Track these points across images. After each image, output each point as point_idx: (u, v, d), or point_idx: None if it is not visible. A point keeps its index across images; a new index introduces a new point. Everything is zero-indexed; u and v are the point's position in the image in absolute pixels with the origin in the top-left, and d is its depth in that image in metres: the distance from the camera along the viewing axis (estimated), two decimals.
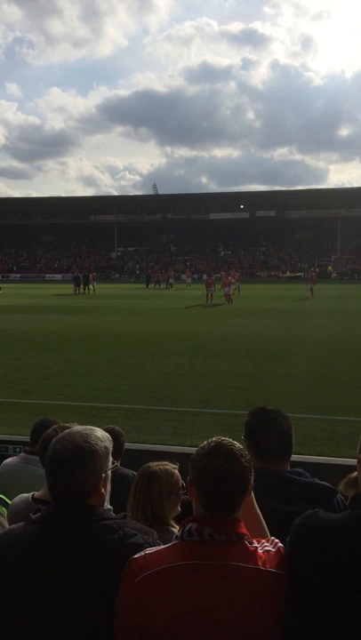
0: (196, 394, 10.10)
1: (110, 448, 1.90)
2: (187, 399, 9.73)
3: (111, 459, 1.91)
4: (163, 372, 12.17)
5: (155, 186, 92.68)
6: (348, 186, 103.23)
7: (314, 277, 37.52)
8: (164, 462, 2.79)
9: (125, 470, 3.69)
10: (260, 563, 1.65)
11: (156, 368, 12.56)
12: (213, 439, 1.77)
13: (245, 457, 1.74)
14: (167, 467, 2.71)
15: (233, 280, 33.45)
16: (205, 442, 1.77)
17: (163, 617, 1.60)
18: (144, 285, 52.61)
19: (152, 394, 10.15)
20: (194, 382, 11.07)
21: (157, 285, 51.10)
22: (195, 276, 56.07)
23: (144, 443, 6.88)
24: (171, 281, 50.03)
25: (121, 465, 3.84)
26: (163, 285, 50.63)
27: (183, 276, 54.70)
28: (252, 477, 1.76)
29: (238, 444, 1.78)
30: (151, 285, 50.24)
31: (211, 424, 8.16)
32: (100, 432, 1.91)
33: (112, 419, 8.11)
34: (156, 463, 2.79)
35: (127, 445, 3.94)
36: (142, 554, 1.69)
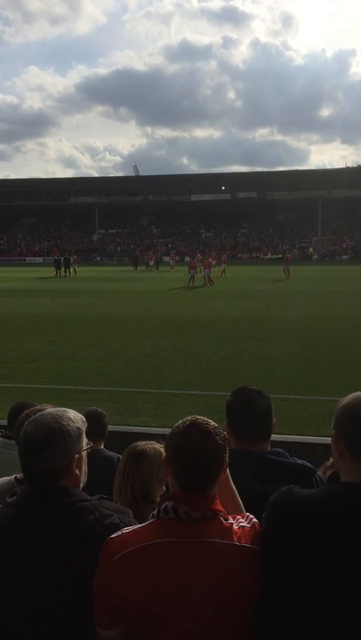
0: (178, 376, 10.13)
1: (83, 429, 1.89)
2: (169, 381, 9.76)
3: (86, 440, 1.90)
4: (145, 354, 12.17)
5: (135, 167, 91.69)
6: (328, 167, 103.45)
7: (289, 259, 38.14)
8: (150, 442, 2.81)
9: (110, 453, 3.70)
10: (235, 538, 1.67)
11: (138, 351, 12.56)
12: (188, 418, 1.78)
13: (220, 435, 1.75)
14: (155, 445, 2.73)
15: (213, 262, 33.46)
16: (180, 421, 1.78)
17: (140, 595, 1.61)
18: (130, 267, 52.44)
19: (134, 376, 10.15)
20: (176, 364, 11.10)
21: (147, 267, 51.06)
22: (177, 258, 55.83)
23: (127, 425, 6.90)
24: (151, 263, 49.64)
25: (105, 447, 3.85)
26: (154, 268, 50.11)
27: (167, 258, 54.65)
28: (227, 455, 1.77)
29: (213, 423, 1.78)
30: (141, 268, 49.86)
31: (193, 405, 8.22)
32: (72, 413, 1.89)
33: (94, 401, 8.10)
34: (144, 442, 2.80)
35: (110, 427, 3.95)
36: (119, 533, 1.70)
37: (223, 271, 38.51)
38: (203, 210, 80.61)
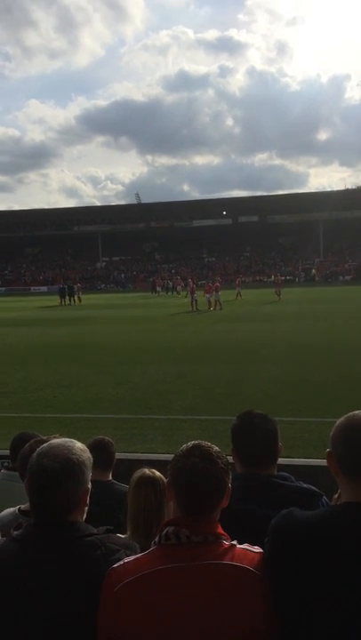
0: (185, 401, 10.13)
1: (92, 458, 1.89)
2: (175, 406, 9.75)
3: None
4: (151, 380, 12.17)
5: (137, 195, 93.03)
6: (328, 189, 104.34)
7: (280, 281, 40.08)
8: (152, 470, 2.83)
9: (123, 487, 3.66)
10: (236, 560, 1.66)
11: (143, 377, 12.57)
12: (192, 442, 1.80)
13: (222, 459, 1.75)
14: (159, 473, 2.78)
15: (218, 286, 33.89)
16: (184, 445, 1.80)
17: (145, 623, 1.59)
18: (141, 293, 53.75)
19: (140, 402, 10.15)
20: (182, 389, 11.10)
21: (169, 292, 52.34)
22: (182, 284, 56.47)
23: (134, 452, 6.88)
24: (178, 288, 50.24)
25: (112, 475, 3.82)
26: (175, 293, 50.69)
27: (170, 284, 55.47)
28: (230, 480, 1.77)
29: (216, 447, 1.80)
30: (163, 293, 50.50)
31: (199, 430, 8.17)
32: (79, 444, 1.91)
33: (101, 429, 8.09)
34: (147, 469, 2.82)
35: (117, 455, 3.93)
36: (121, 563, 1.69)
37: (238, 294, 39.27)
38: (205, 235, 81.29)
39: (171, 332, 21.36)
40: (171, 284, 55.28)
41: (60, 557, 1.71)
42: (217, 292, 32.65)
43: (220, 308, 31.62)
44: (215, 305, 32.05)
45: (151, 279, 67.95)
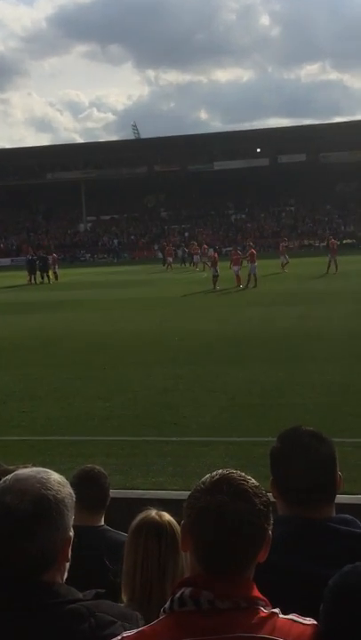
0: (205, 416, 10.22)
1: (74, 495, 1.91)
2: (191, 424, 9.85)
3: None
4: (157, 387, 12.26)
5: (135, 127, 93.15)
6: None
7: (336, 247, 39.84)
8: (162, 513, 2.89)
9: (119, 535, 3.71)
10: (278, 634, 1.66)
11: (147, 383, 12.66)
12: (218, 471, 1.82)
13: (262, 497, 1.77)
14: (169, 518, 2.82)
15: (255, 253, 34.04)
16: (208, 475, 1.81)
17: None
18: (142, 266, 54.05)
19: (143, 419, 10.26)
20: (200, 400, 11.18)
21: (183, 264, 52.66)
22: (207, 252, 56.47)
23: (134, 489, 6.96)
24: (195, 258, 50.33)
25: (106, 520, 3.87)
26: (191, 265, 51.00)
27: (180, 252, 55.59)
28: (270, 525, 1.79)
29: (253, 480, 1.81)
30: (175, 265, 50.81)
31: (225, 457, 8.27)
32: (57, 475, 1.91)
33: (88, 457, 8.18)
34: (155, 512, 2.88)
35: (112, 492, 3.99)
36: (119, 638, 1.71)
37: (284, 265, 39.87)
38: (231, 182, 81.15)
39: (184, 320, 21.43)
40: (185, 251, 55.31)
41: (32, 632, 1.72)
42: (252, 262, 32.85)
43: (254, 286, 31.69)
44: (248, 281, 32.20)
45: (157, 246, 68.20)
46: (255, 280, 32.14)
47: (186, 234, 77.16)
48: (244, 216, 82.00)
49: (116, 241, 78.38)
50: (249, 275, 32.34)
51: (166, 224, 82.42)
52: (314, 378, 12.32)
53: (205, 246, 49.82)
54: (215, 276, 32.50)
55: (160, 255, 59.17)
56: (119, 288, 34.97)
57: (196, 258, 50.16)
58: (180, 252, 55.83)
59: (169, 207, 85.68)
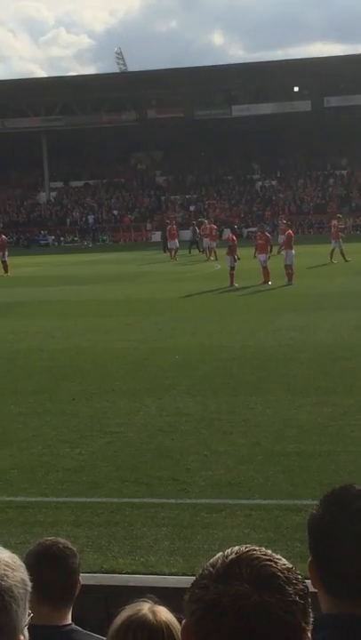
0: (216, 469, 10.25)
1: (30, 584, 1.93)
2: (197, 481, 9.88)
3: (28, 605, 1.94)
4: (148, 427, 12.32)
5: (120, 56, 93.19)
6: None
7: (338, 228, 41.43)
8: (159, 607, 2.91)
9: (91, 636, 3.75)
10: None
11: (134, 421, 12.73)
12: (234, 549, 1.78)
13: (297, 584, 1.75)
14: (167, 615, 2.83)
15: (292, 235, 34.15)
16: (220, 554, 1.78)
17: None
18: (129, 253, 54.26)
19: (127, 472, 10.29)
20: (210, 446, 11.23)
21: (191, 250, 53.29)
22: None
23: (115, 572, 7.03)
24: (206, 242, 50.01)
25: (74, 615, 3.90)
26: (200, 251, 51.73)
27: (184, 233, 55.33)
28: (310, 624, 1.77)
29: (283, 560, 1.78)
30: (183, 251, 51.06)
31: (246, 528, 8.26)
32: (6, 554, 1.94)
33: (50, 526, 8.21)
34: (149, 606, 2.90)
35: (83, 577, 4.01)
36: None
37: (335, 253, 40.54)
38: (257, 135, 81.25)
39: (188, 331, 21.56)
40: (196, 232, 54.70)
41: None
42: (288, 247, 32.91)
43: (288, 282, 31.76)
44: (266, 275, 32.26)
45: (151, 225, 68.14)
46: (290, 274, 32.19)
47: (192, 208, 77.27)
48: (274, 182, 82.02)
49: (91, 217, 78.44)
50: (287, 266, 32.40)
51: (164, 194, 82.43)
52: None
53: (212, 225, 49.07)
54: (232, 268, 32.50)
55: (155, 236, 59.19)
56: (95, 285, 35.05)
57: (207, 242, 50.00)
58: (189, 233, 55.26)
59: (168, 170, 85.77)
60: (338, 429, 11.79)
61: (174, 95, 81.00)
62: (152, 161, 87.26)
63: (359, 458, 10.40)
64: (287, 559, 1.80)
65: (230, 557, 1.75)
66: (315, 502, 2.50)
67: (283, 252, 33.40)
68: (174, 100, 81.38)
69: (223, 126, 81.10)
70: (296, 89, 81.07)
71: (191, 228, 55.89)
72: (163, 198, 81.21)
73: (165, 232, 53.89)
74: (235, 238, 35.58)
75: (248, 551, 1.76)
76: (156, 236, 68.46)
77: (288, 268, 32.31)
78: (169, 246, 50.76)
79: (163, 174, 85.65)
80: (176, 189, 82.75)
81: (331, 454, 10.63)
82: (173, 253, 49.96)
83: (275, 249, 36.69)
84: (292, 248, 32.75)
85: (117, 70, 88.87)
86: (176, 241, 50.53)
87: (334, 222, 43.44)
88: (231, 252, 33.48)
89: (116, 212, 79.08)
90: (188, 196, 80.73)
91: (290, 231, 34.67)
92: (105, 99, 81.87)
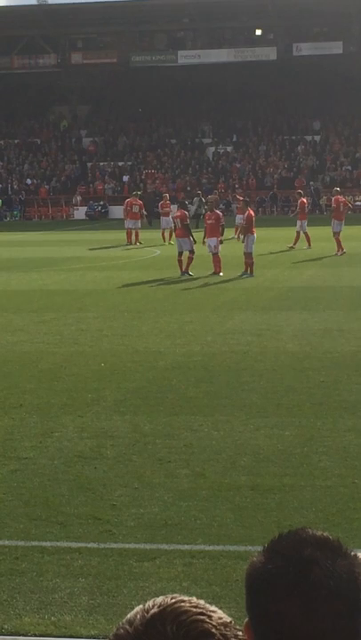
0: (149, 506, 10.23)
1: None
2: (125, 520, 9.86)
3: None
4: (64, 452, 12.31)
5: None
6: None
7: (305, 206, 43.43)
8: None
9: None
10: None
11: (46, 444, 12.71)
12: (157, 601, 1.79)
13: None
14: None
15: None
16: (138, 608, 1.80)
17: None
18: (52, 233, 53.91)
19: (36, 508, 10.27)
20: (142, 478, 11.21)
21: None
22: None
23: (19, 635, 7.06)
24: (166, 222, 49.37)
25: None
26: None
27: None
28: None
29: (219, 613, 1.81)
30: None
31: (185, 581, 8.26)
32: None
33: None
34: None
35: None
36: None
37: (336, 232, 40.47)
38: (210, 89, 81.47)
39: (114, 331, 21.65)
40: (202, 202, 54.18)
41: None
42: (249, 231, 32.99)
43: (247, 273, 31.77)
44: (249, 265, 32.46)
45: (78, 198, 68.19)
46: (250, 264, 32.37)
47: (125, 178, 77.26)
48: (229, 149, 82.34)
49: None
50: (246, 255, 32.55)
51: (91, 159, 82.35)
52: (345, 440, 12.46)
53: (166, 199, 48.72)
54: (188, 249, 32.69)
55: (78, 213, 59.08)
56: (0, 271, 35.15)
57: (165, 221, 49.09)
58: (193, 207, 54.02)
59: (96, 130, 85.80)
60: (302, 458, 11.77)
61: (105, 36, 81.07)
62: (76, 118, 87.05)
63: (328, 494, 10.43)
64: (236, 620, 1.83)
65: (152, 612, 1.75)
66: (259, 547, 2.48)
67: (241, 237, 33.47)
68: (105, 42, 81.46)
69: (166, 77, 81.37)
70: (259, 32, 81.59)
71: (196, 199, 55.89)
72: (89, 165, 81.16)
73: (152, 205, 54.41)
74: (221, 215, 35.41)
75: (174, 603, 1.76)
76: (80, 213, 68.45)
77: (247, 256, 32.51)
78: (131, 227, 49.77)
79: (89, 135, 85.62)
80: (106, 154, 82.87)
81: (293, 489, 10.61)
82: (136, 236, 49.48)
83: (229, 232, 36.71)
84: (252, 232, 32.99)
85: (34, 2, 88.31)
86: (136, 222, 49.62)
87: (337, 198, 43.68)
88: (246, 228, 33.59)
89: (30, 182, 78.78)
90: (120, 164, 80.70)
91: (250, 211, 34.67)
92: (18, 38, 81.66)
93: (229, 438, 12.66)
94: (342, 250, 38.55)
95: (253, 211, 37.05)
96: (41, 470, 11.55)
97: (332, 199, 44.06)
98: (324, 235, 41.52)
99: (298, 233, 41.78)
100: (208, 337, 20.49)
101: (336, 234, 40.08)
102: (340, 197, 43.32)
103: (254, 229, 33.11)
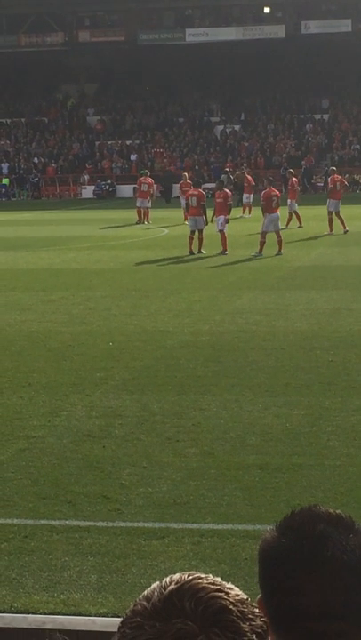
0: (158, 485, 10.27)
1: None
2: (134, 499, 9.90)
3: None
4: (73, 430, 12.35)
5: None
6: None
7: (295, 186, 43.47)
8: None
9: None
10: None
11: (54, 423, 12.75)
12: (175, 578, 1.77)
13: (254, 620, 1.75)
14: None
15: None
16: (155, 585, 1.78)
17: None
18: (57, 212, 54.63)
19: (45, 487, 10.28)
20: (151, 457, 11.25)
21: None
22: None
23: (28, 613, 6.97)
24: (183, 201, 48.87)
25: None
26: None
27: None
28: None
29: (236, 590, 1.77)
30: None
31: (194, 559, 8.31)
32: None
33: None
34: None
35: None
36: None
37: (334, 214, 40.15)
38: (217, 67, 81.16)
39: (122, 310, 21.65)
40: (230, 179, 54.49)
41: None
42: (269, 209, 32.80)
43: (258, 253, 31.85)
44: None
45: (86, 177, 68.05)
46: (262, 243, 32.24)
47: (133, 157, 77.01)
48: (237, 127, 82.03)
49: (5, 165, 78.24)
50: (262, 234, 32.50)
51: (99, 138, 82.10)
52: (356, 418, 12.47)
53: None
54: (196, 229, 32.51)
55: (86, 192, 58.82)
56: (9, 251, 35.22)
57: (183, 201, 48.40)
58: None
59: (103, 109, 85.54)
60: (311, 437, 11.82)
61: (113, 14, 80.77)
62: (83, 96, 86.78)
63: (336, 473, 10.46)
64: (245, 593, 1.78)
65: (170, 588, 1.74)
66: (271, 525, 2.44)
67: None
68: (113, 19, 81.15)
69: (174, 55, 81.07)
70: (267, 10, 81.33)
71: (224, 176, 55.35)
72: (97, 144, 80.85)
73: (170, 185, 54.61)
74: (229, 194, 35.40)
75: (192, 580, 1.75)
76: (88, 192, 68.28)
77: (262, 235, 32.43)
78: (139, 205, 49.25)
79: (97, 113, 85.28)
80: (113, 133, 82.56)
81: (302, 468, 10.65)
82: (142, 217, 48.75)
83: (236, 211, 36.57)
84: (272, 211, 32.76)
85: None
86: (146, 202, 49.14)
87: (335, 177, 43.37)
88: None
89: (37, 160, 78.57)
90: (128, 142, 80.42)
91: (270, 190, 34.16)
92: (25, 16, 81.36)
93: (238, 417, 12.69)
94: (331, 231, 38.66)
95: (275, 189, 36.68)
96: (50, 449, 11.61)
97: (328, 179, 43.86)
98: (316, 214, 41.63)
99: (290, 213, 41.76)
100: (216, 316, 20.48)
101: (330, 213, 39.85)
102: (337, 176, 42.94)
103: (276, 209, 32.94)
